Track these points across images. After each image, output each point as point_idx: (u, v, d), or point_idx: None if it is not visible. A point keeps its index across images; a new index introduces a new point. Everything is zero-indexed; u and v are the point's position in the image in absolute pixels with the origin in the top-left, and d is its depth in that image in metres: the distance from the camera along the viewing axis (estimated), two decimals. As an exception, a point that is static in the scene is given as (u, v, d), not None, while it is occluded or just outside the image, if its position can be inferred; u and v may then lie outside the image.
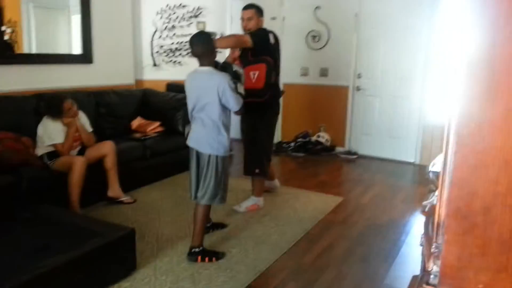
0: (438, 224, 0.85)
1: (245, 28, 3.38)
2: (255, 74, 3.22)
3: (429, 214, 1.27)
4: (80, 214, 2.98)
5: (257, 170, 3.45)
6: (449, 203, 0.83)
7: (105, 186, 3.40)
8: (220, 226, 3.09)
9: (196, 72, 2.60)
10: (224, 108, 2.55)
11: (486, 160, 0.79)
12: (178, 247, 2.77)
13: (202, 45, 2.54)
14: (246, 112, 2.96)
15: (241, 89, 2.64)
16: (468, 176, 0.81)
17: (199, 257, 2.60)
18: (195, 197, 2.65)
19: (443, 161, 0.83)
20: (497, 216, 0.79)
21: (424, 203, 1.36)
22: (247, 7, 3.40)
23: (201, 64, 2.57)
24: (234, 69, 2.68)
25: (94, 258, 2.16)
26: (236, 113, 2.62)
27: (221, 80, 2.48)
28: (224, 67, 2.70)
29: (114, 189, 3.43)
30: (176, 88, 4.81)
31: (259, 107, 3.31)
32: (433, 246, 0.92)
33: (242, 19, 3.39)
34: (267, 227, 3.13)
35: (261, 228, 3.12)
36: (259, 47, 3.23)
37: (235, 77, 2.65)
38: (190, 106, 2.60)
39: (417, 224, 3.30)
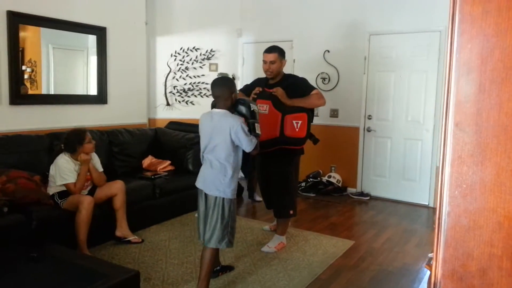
0: (435, 284, 0.83)
1: (267, 71, 3.31)
2: (299, 124, 3.17)
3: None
4: (86, 255, 2.97)
5: (291, 212, 3.48)
6: (445, 263, 0.81)
7: (114, 225, 3.41)
8: (228, 269, 3.05)
9: (211, 113, 2.63)
10: (235, 149, 2.56)
11: (479, 221, 0.78)
12: (182, 291, 2.72)
13: (222, 88, 2.58)
14: (278, 157, 3.15)
15: (258, 129, 2.62)
16: (462, 237, 0.80)
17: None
18: (203, 238, 2.63)
19: (437, 219, 0.82)
20: (494, 279, 0.77)
21: (430, 255, 1.32)
22: (270, 50, 3.29)
23: (218, 106, 2.62)
24: (252, 109, 2.62)
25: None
26: (250, 153, 2.62)
27: (234, 123, 2.49)
28: (242, 103, 2.63)
29: (122, 229, 3.43)
30: (178, 127, 4.90)
31: (292, 152, 3.33)
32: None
33: (265, 62, 3.29)
34: (275, 272, 3.07)
35: (269, 272, 3.06)
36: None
37: (252, 117, 2.62)
38: (202, 146, 2.62)
39: (430, 270, 3.19)
